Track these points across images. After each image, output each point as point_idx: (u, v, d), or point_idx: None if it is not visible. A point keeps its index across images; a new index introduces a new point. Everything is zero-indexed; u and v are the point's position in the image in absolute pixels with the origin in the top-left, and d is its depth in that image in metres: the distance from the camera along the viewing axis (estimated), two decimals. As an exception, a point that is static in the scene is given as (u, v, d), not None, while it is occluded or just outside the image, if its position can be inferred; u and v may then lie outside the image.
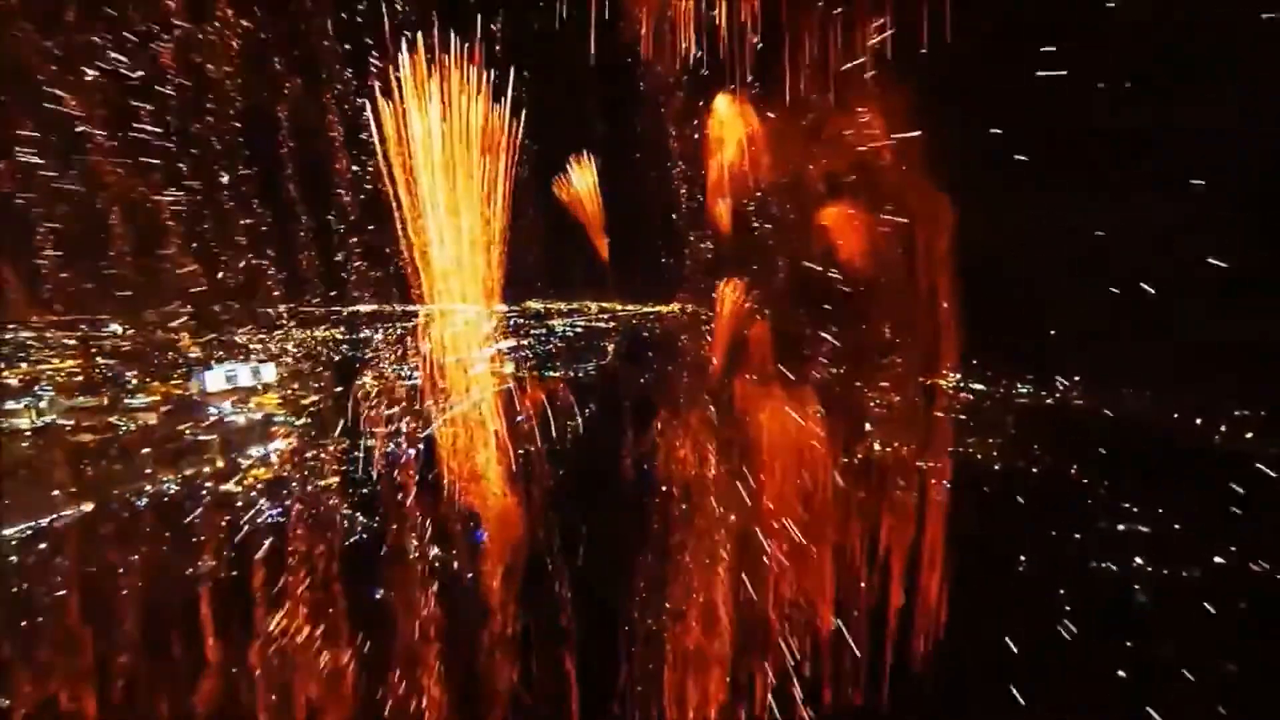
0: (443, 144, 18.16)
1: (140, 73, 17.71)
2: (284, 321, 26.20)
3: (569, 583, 23.13)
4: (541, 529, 23.46)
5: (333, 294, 24.57)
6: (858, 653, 20.76)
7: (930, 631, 20.66)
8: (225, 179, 20.59)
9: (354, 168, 19.91)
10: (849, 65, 15.90)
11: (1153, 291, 19.98)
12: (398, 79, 17.17)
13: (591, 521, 24.80)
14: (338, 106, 19.34)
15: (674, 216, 22.68)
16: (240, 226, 21.54)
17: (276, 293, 23.75)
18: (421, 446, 23.07)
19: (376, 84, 17.35)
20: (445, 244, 19.17)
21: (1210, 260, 18.65)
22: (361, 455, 24.39)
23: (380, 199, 18.39)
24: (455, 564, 23.29)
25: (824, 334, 21.66)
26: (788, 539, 21.07)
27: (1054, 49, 16.46)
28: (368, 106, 17.58)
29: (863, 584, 21.18)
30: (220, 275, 21.80)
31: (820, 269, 20.36)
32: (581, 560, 23.73)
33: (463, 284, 19.94)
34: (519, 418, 24.12)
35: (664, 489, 23.60)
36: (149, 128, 18.61)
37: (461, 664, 21.64)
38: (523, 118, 18.52)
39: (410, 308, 20.91)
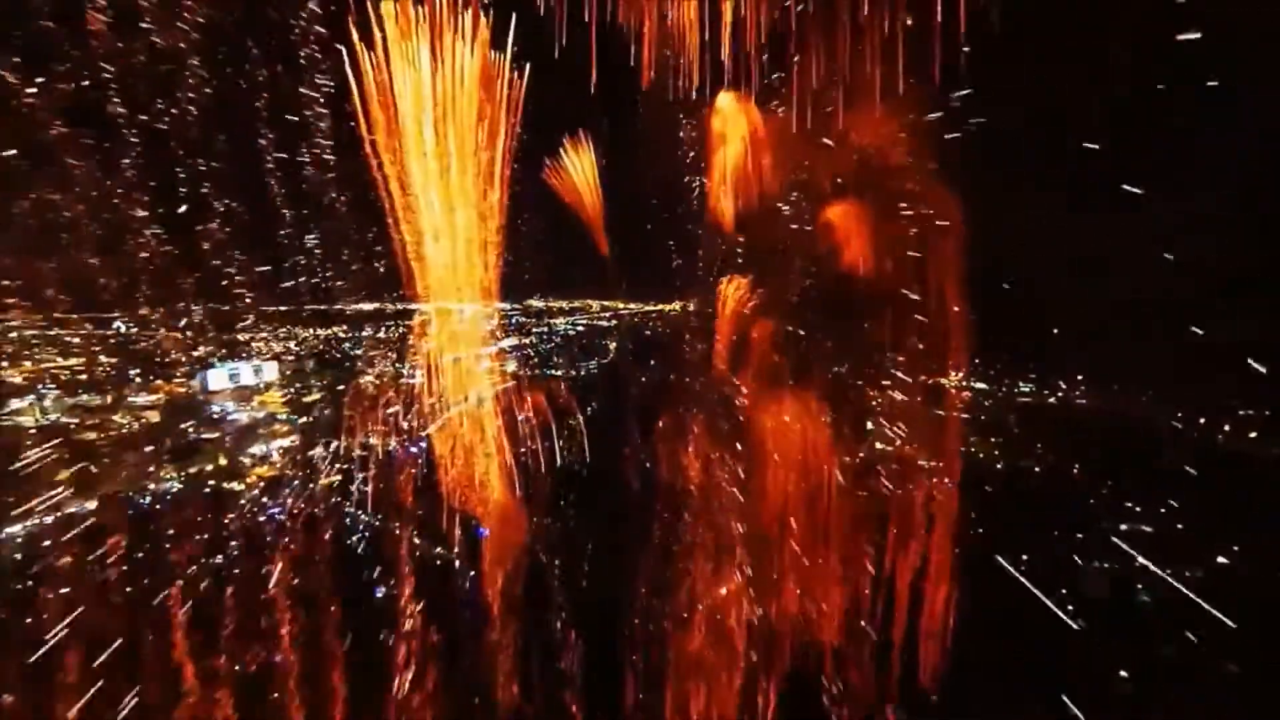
0: (437, 136, 17.95)
1: (136, 66, 17.68)
2: (286, 320, 26.30)
3: (572, 592, 23.17)
4: (543, 537, 23.50)
5: (334, 293, 24.66)
6: (861, 652, 20.76)
7: (932, 631, 20.63)
8: (226, 179, 20.70)
9: (356, 166, 19.79)
10: (853, 68, 15.91)
11: (1154, 292, 20.03)
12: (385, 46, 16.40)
13: (594, 527, 24.84)
14: (333, 100, 19.13)
15: (676, 215, 22.73)
16: (243, 227, 21.65)
17: (278, 292, 23.87)
18: (423, 445, 23.12)
19: (364, 56, 16.54)
20: (445, 242, 19.15)
21: (1211, 261, 18.71)
22: (364, 454, 24.47)
23: (381, 198, 18.30)
24: (456, 563, 23.32)
25: (827, 333, 21.68)
26: (790, 538, 21.10)
27: (1055, 51, 16.51)
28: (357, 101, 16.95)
29: (865, 584, 21.18)
30: (223, 275, 21.89)
31: (823, 269, 20.37)
32: (586, 573, 23.78)
33: (464, 283, 19.93)
34: (520, 417, 24.15)
35: (665, 490, 23.63)
36: (146, 127, 18.68)
37: (462, 674, 21.65)
38: (520, 105, 18.29)
39: (412, 306, 20.94)
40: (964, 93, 15.37)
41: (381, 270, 21.75)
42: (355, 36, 16.05)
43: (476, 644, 21.84)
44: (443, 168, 18.21)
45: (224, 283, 22.25)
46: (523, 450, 23.55)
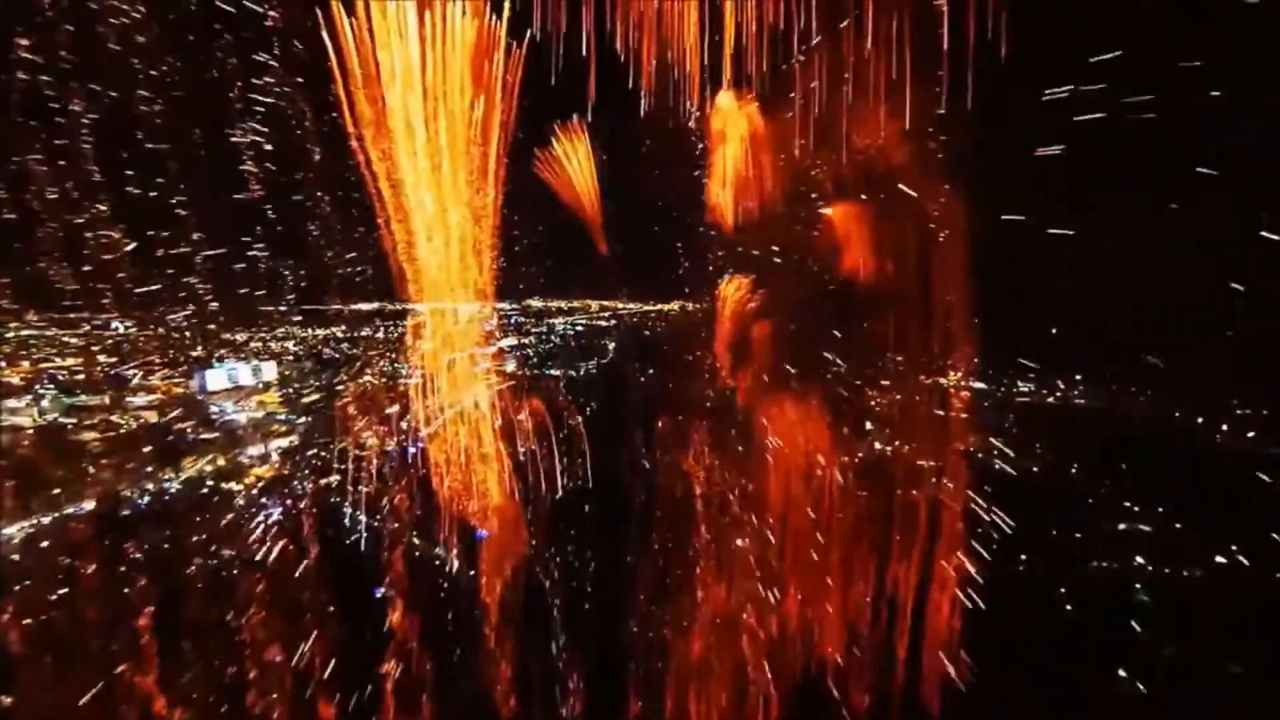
0: (428, 132, 17.40)
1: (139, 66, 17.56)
2: (285, 320, 26.23)
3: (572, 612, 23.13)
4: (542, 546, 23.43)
5: (333, 292, 24.60)
6: (861, 655, 20.77)
7: (933, 634, 20.62)
8: (223, 179, 20.64)
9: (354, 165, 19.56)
10: (855, 69, 15.89)
11: (1154, 292, 20.04)
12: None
13: (595, 536, 24.81)
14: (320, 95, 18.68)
15: (676, 216, 22.69)
16: (241, 226, 21.61)
17: (277, 291, 23.82)
18: (421, 445, 23.08)
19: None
20: (442, 243, 19.05)
21: (1211, 260, 18.73)
22: (362, 455, 24.42)
23: (378, 198, 18.05)
24: (454, 565, 23.27)
25: (827, 334, 21.67)
26: (789, 542, 21.10)
27: (1057, 50, 16.51)
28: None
29: (865, 588, 21.16)
30: (221, 274, 21.85)
31: (823, 269, 20.36)
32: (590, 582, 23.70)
33: (463, 283, 19.88)
34: (519, 417, 24.13)
35: (664, 492, 23.62)
36: (142, 126, 18.59)
37: (459, 689, 21.61)
38: (515, 89, 17.83)
39: (411, 306, 20.89)
40: (966, 93, 15.33)
41: (381, 271, 21.67)
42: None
43: (474, 655, 21.80)
44: (434, 165, 17.93)
45: (221, 283, 22.22)
46: (521, 451, 23.53)
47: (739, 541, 22.15)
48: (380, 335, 28.15)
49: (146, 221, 19.92)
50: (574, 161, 20.97)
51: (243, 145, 20.13)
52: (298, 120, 19.89)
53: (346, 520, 24.32)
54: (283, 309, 25.13)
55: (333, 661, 20.83)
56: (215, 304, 22.84)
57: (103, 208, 18.98)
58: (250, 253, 22.22)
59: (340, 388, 26.81)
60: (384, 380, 26.67)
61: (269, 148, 20.40)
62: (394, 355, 27.17)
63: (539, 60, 16.58)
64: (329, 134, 19.33)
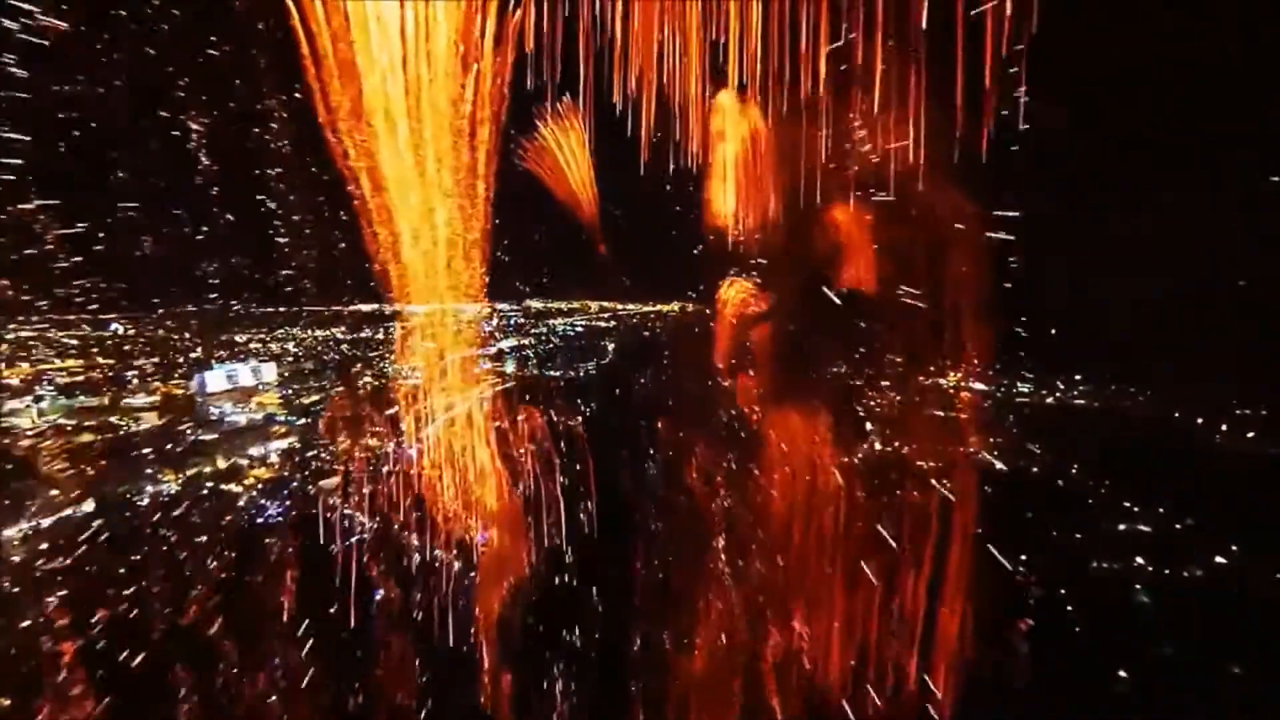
0: (411, 130, 16.64)
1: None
2: (284, 321, 26.24)
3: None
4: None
5: (332, 295, 24.61)
6: (861, 652, 20.76)
7: (936, 638, 20.60)
8: (224, 181, 20.62)
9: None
10: (857, 70, 15.87)
11: (1154, 292, 20.08)
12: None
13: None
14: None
15: (676, 217, 22.67)
16: (241, 228, 21.60)
17: (276, 293, 23.81)
18: (419, 449, 23.05)
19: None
20: (431, 244, 18.85)
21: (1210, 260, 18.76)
22: (361, 457, 24.40)
23: (359, 197, 17.46)
24: (454, 567, 23.22)
25: (826, 335, 21.67)
26: (790, 546, 21.09)
27: (1056, 53, 16.49)
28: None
29: (867, 593, 21.12)
30: (220, 276, 21.83)
31: (823, 270, 20.35)
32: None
33: (453, 285, 19.74)
34: (520, 417, 24.11)
35: (662, 497, 23.63)
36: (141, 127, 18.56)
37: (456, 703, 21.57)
38: (507, 69, 17.05)
39: (411, 308, 20.83)
40: (968, 95, 15.33)
41: (382, 273, 21.70)
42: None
43: (472, 670, 21.72)
44: (419, 161, 17.22)
45: (221, 284, 22.21)
46: (520, 451, 23.51)
47: (737, 543, 22.13)
48: (381, 336, 28.16)
49: (145, 223, 19.94)
50: (571, 159, 20.90)
51: (210, 141, 20.02)
52: (277, 116, 19.75)
53: (346, 522, 24.31)
54: (282, 310, 25.16)
55: (328, 667, 20.77)
56: (216, 305, 22.85)
57: (99, 210, 18.99)
58: (252, 254, 22.23)
59: (338, 389, 26.81)
60: (382, 382, 26.66)
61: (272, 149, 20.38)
62: (396, 357, 27.16)
63: (535, 52, 16.09)
64: (307, 128, 18.91)
